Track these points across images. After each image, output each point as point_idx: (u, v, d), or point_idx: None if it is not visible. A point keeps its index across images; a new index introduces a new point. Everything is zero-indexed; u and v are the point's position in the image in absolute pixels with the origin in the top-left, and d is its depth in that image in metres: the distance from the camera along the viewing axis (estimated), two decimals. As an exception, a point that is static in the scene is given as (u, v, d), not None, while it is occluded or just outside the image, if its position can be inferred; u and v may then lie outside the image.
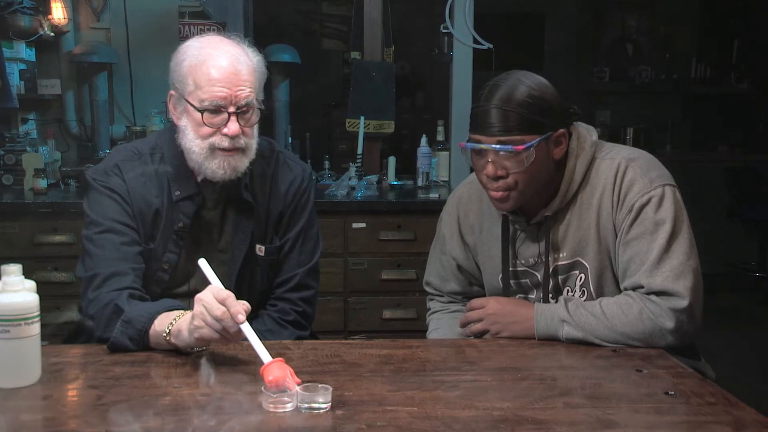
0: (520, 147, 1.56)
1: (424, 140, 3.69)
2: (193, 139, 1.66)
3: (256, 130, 1.71)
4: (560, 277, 1.71)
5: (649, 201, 1.59)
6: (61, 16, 3.62)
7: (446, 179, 3.78)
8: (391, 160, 3.73)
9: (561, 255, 1.70)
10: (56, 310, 2.98)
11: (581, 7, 6.66)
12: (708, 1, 6.62)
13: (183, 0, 3.76)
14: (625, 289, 1.62)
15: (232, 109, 1.63)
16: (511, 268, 1.76)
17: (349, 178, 3.53)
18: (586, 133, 1.71)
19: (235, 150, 1.65)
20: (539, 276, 1.73)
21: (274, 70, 3.81)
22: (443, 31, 3.78)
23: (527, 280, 1.76)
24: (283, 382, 1.24)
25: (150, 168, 1.73)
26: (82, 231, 1.71)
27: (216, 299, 1.35)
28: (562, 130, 1.62)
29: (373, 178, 3.58)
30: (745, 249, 5.70)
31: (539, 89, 1.59)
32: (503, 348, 1.58)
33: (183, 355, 1.45)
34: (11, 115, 3.62)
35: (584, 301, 1.64)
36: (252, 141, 1.69)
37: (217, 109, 1.62)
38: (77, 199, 3.09)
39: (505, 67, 1.79)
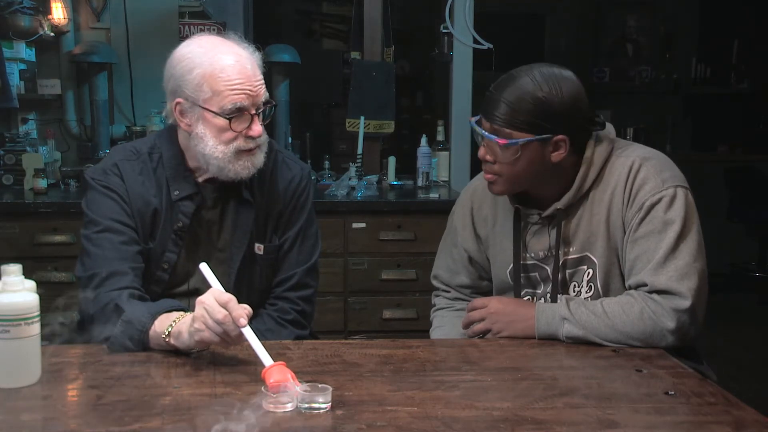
0: (503, 141, 1.59)
1: (424, 140, 3.69)
2: (215, 146, 1.65)
3: None
4: (568, 271, 1.72)
5: (659, 200, 1.59)
6: (61, 16, 3.62)
7: (446, 179, 3.77)
8: (391, 160, 3.73)
9: (570, 249, 1.70)
10: (56, 310, 2.98)
11: (581, 7, 6.66)
12: (708, 1, 6.62)
13: (183, 0, 3.75)
14: (629, 287, 1.62)
15: (253, 111, 1.64)
16: (521, 262, 1.76)
17: (349, 178, 3.52)
18: (605, 131, 1.72)
19: (257, 147, 1.68)
20: (549, 270, 1.73)
21: (274, 70, 3.81)
22: (443, 31, 3.78)
23: (536, 274, 1.76)
24: (284, 385, 1.24)
25: (149, 167, 1.74)
26: (81, 230, 1.72)
27: (218, 302, 1.34)
28: (562, 136, 1.60)
29: (373, 178, 3.57)
30: (745, 249, 5.69)
31: (549, 92, 1.58)
32: (503, 348, 1.58)
33: (183, 355, 1.45)
34: (11, 115, 3.62)
35: (591, 296, 1.65)
36: (266, 135, 1.71)
37: (240, 113, 1.63)
38: (77, 199, 3.08)
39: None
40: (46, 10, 3.57)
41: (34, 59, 3.65)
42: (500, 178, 1.66)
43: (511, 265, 1.77)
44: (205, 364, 1.41)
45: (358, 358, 1.47)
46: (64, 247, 3.07)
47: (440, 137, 3.84)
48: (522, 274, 1.76)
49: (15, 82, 3.51)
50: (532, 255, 1.75)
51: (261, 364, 1.29)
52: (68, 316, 1.59)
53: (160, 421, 1.16)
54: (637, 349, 1.54)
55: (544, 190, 1.69)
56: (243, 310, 1.34)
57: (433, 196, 3.41)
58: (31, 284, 1.33)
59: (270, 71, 3.83)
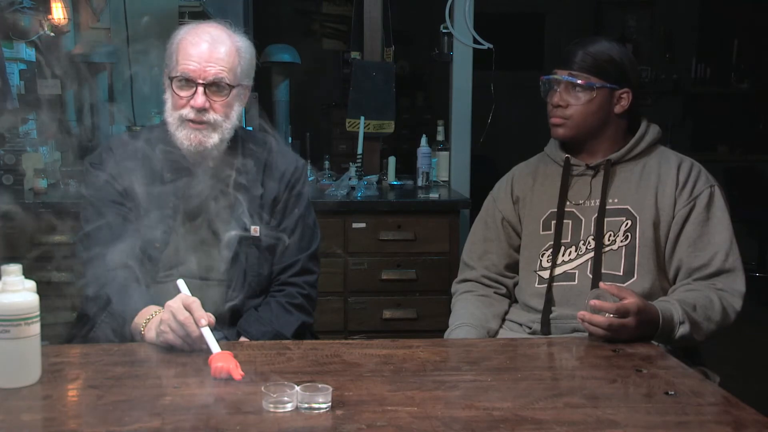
0: (583, 81, 1.83)
1: (424, 140, 3.69)
2: (168, 110, 1.76)
3: (234, 111, 1.78)
4: (606, 220, 1.84)
5: (711, 194, 1.81)
6: (61, 16, 3.61)
7: (446, 179, 3.77)
8: (391, 160, 3.73)
9: (611, 201, 1.85)
10: (56, 310, 2.98)
11: (581, 7, 6.66)
12: (708, 1, 6.62)
13: (183, 0, 3.76)
14: (690, 268, 1.78)
15: (200, 82, 1.71)
16: (557, 209, 1.88)
17: (349, 178, 3.52)
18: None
19: (203, 124, 1.73)
20: (583, 218, 1.86)
21: (274, 70, 3.81)
22: (443, 31, 3.77)
23: (569, 221, 1.87)
24: (227, 370, 1.33)
25: (143, 150, 1.80)
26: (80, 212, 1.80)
27: (183, 305, 1.45)
28: (628, 90, 1.85)
29: (373, 178, 3.57)
30: (745, 249, 5.68)
31: (622, 52, 1.88)
32: (503, 348, 1.58)
33: (183, 355, 1.46)
34: (11, 115, 3.61)
35: (626, 245, 1.80)
36: (222, 119, 1.75)
37: (187, 81, 1.71)
38: (77, 199, 3.09)
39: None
40: (46, 10, 3.57)
41: (34, 59, 3.65)
42: (568, 122, 1.86)
43: (546, 214, 1.90)
44: (205, 364, 1.41)
45: (358, 358, 1.48)
46: (64, 247, 3.07)
47: (440, 137, 3.83)
48: (555, 221, 1.89)
49: (15, 82, 3.51)
50: (570, 201, 1.89)
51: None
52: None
53: (160, 421, 1.16)
54: (636, 349, 1.54)
55: (594, 144, 1.89)
56: (206, 314, 1.44)
57: (433, 196, 3.41)
58: (31, 284, 1.33)
59: (270, 71, 3.83)
